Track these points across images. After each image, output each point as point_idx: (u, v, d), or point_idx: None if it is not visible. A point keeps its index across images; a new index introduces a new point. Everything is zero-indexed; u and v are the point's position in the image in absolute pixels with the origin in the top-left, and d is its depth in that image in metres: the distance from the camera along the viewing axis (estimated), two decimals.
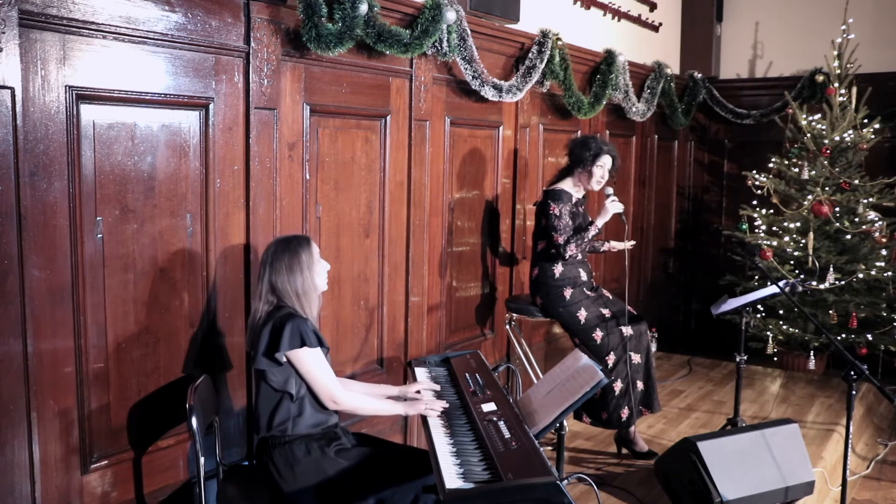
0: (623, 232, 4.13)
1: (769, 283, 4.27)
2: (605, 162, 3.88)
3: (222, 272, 3.00)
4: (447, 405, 2.76)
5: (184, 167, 2.85)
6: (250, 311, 3.09)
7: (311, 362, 2.56)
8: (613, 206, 3.82)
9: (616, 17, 5.80)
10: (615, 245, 4.21)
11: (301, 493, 2.53)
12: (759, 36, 6.69)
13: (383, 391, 2.96)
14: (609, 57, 5.24)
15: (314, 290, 2.66)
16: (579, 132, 5.16)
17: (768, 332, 5.64)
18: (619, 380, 3.80)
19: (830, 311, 5.45)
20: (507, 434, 2.41)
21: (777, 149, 6.00)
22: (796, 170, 5.62)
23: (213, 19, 2.84)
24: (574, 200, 3.90)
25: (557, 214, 3.80)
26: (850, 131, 5.47)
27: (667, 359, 6.01)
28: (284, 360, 2.55)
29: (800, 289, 4.77)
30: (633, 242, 4.22)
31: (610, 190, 3.92)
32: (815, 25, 6.32)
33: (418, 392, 2.90)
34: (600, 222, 3.83)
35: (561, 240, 3.79)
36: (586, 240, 3.81)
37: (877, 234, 5.39)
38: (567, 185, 3.93)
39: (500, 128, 4.54)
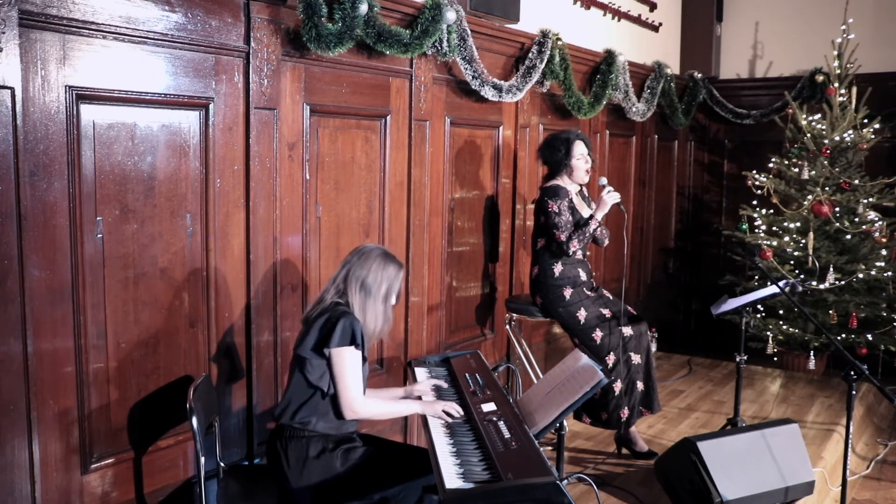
0: (623, 221, 4.07)
1: (769, 283, 4.27)
2: (580, 149, 3.87)
3: (222, 272, 3.00)
4: (463, 414, 2.70)
5: (184, 167, 2.85)
6: (250, 306, 3.10)
7: (349, 362, 2.55)
8: (611, 198, 3.79)
9: (616, 17, 5.79)
10: (603, 204, 3.80)
11: (307, 490, 2.54)
12: (759, 36, 6.69)
13: (391, 394, 2.95)
14: (609, 57, 5.24)
15: (383, 301, 2.65)
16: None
17: (768, 332, 5.63)
18: (618, 380, 3.80)
19: (830, 311, 5.44)
20: (507, 434, 2.41)
21: (777, 149, 6.00)
22: (796, 170, 5.62)
23: (213, 19, 2.84)
24: (570, 196, 3.88)
25: (557, 211, 3.79)
26: (850, 131, 5.46)
27: (667, 359, 6.00)
28: (328, 354, 2.55)
29: (800, 289, 4.77)
30: (616, 194, 3.80)
31: (604, 180, 3.89)
32: (815, 25, 6.31)
33: (435, 388, 2.89)
34: (600, 215, 3.81)
35: (563, 237, 3.78)
36: (588, 234, 3.80)
37: (877, 234, 5.38)
38: (560, 181, 3.92)
39: (500, 128, 4.54)
